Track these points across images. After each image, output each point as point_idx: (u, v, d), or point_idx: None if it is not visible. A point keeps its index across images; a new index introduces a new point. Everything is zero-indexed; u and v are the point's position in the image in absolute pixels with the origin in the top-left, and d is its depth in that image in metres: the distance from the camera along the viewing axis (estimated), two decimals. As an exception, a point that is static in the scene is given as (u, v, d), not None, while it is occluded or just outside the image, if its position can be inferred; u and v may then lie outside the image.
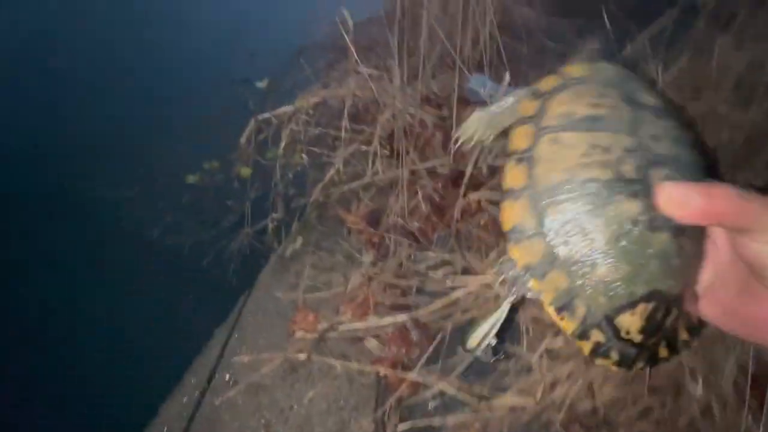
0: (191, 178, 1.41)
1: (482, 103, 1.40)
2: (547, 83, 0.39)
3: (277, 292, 1.08)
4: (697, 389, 0.59)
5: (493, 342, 0.46)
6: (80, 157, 1.55)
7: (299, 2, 2.42)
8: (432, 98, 1.51)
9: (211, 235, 1.33)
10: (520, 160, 0.36)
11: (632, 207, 0.33)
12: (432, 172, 1.37)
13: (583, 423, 0.67)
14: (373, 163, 1.31)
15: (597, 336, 0.35)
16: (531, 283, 0.36)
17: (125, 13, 2.45)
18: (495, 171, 1.39)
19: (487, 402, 0.76)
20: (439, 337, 0.90)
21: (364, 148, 1.34)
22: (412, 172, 1.32)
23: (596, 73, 0.39)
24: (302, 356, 0.91)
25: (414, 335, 0.94)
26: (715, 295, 0.35)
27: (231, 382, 0.87)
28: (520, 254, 0.35)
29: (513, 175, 0.36)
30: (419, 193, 1.28)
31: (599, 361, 0.35)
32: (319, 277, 1.11)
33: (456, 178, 1.39)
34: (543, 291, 0.35)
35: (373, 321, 0.96)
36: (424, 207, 1.26)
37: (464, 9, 1.58)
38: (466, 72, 1.58)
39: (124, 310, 1.17)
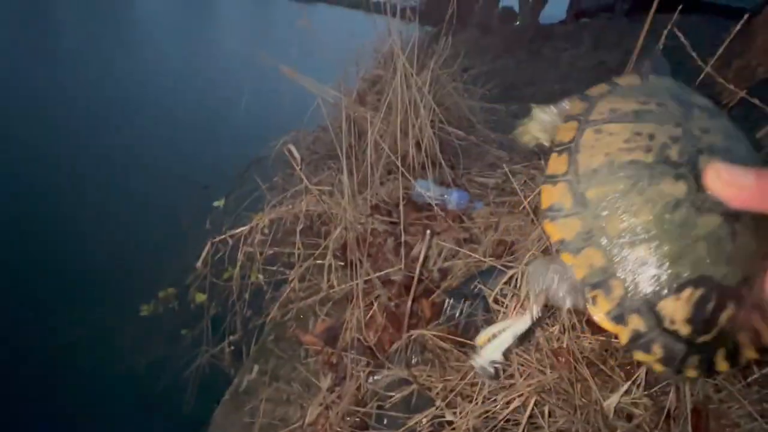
0: (146, 309, 1.39)
1: (428, 206, 1.48)
2: (598, 89, 0.39)
3: (233, 434, 1.04)
4: None
5: (500, 359, 0.48)
6: (28, 304, 1.51)
7: (259, 113, 2.61)
8: (381, 206, 1.61)
9: (167, 367, 1.29)
10: (562, 151, 0.36)
11: (677, 188, 0.30)
12: (386, 281, 1.42)
13: None
14: (329, 276, 1.35)
15: (636, 322, 0.31)
16: (563, 257, 0.33)
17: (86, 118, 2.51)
18: (446, 274, 1.46)
19: None
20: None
21: (318, 261, 1.39)
22: (366, 282, 1.36)
23: (648, 82, 0.38)
24: None
25: (374, 475, 0.92)
26: None
27: None
28: (554, 230, 0.34)
29: (554, 164, 0.36)
30: (374, 303, 1.32)
31: (639, 356, 0.31)
32: (276, 411, 1.08)
33: (408, 285, 1.45)
34: (576, 266, 0.32)
35: (330, 463, 0.93)
36: (380, 318, 1.29)
37: (404, 120, 1.76)
38: (410, 178, 1.72)
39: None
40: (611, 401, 0.68)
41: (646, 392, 0.73)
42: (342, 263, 1.41)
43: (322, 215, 1.51)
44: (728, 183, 0.26)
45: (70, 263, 1.63)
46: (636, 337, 0.30)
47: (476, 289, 1.31)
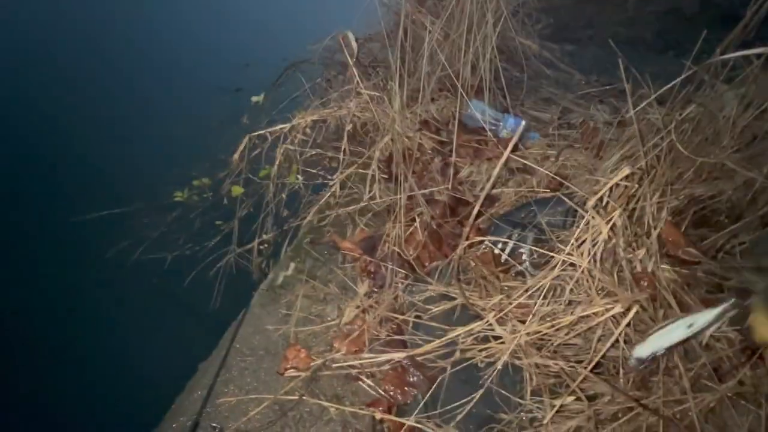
0: (179, 195, 1.34)
1: (481, 129, 1.36)
2: None
3: (268, 324, 1.03)
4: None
5: (661, 353, 0.53)
6: (66, 173, 1.47)
7: (298, 16, 2.39)
8: (431, 122, 1.49)
9: (198, 258, 1.27)
10: None
11: None
12: (430, 199, 1.35)
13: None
14: (371, 187, 1.28)
15: None
16: None
17: (115, 21, 2.37)
18: (495, 201, 1.38)
19: (488, 456, 0.73)
20: (437, 378, 0.86)
21: (361, 171, 1.31)
22: (410, 198, 1.29)
23: None
24: (293, 398, 0.86)
25: (411, 376, 0.91)
26: None
27: (217, 430, 0.81)
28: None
29: None
30: (416, 220, 1.26)
31: None
32: (312, 308, 1.06)
33: (454, 206, 1.38)
34: None
35: (368, 358, 0.92)
36: (420, 235, 1.23)
37: (466, 34, 1.58)
38: (465, 97, 1.58)
39: (100, 339, 1.09)
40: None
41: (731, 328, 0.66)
42: (386, 176, 1.33)
43: (368, 123, 1.40)
44: None
45: (106, 151, 1.57)
46: None
47: (527, 218, 1.24)
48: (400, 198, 1.27)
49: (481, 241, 1.19)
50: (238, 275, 1.22)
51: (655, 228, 0.75)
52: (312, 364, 0.93)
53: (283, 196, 1.33)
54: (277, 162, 1.32)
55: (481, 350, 0.86)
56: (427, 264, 1.20)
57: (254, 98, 1.55)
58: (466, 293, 1.00)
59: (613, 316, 0.65)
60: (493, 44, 1.56)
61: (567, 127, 1.62)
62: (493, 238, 1.19)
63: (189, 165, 1.44)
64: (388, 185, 1.33)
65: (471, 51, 1.61)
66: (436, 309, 1.04)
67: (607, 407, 0.65)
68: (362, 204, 1.27)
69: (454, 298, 1.03)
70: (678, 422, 0.61)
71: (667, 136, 0.80)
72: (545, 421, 0.69)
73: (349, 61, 1.23)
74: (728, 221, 0.84)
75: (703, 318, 0.51)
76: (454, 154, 1.35)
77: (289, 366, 0.93)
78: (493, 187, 1.35)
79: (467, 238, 1.21)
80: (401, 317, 1.04)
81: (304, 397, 0.87)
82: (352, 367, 0.93)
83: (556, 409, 0.67)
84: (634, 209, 0.78)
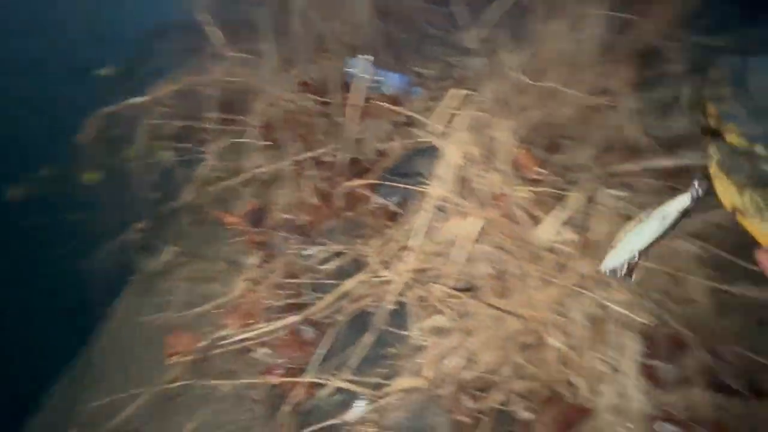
0: (15, 191, 1.12)
1: (365, 88, 1.33)
2: None
3: (146, 314, 0.92)
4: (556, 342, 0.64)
5: (636, 258, 0.49)
6: None
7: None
8: (312, 84, 1.44)
9: (56, 255, 1.08)
10: None
11: None
12: (319, 162, 1.31)
13: (468, 390, 0.69)
14: (253, 156, 1.20)
15: None
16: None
17: None
18: (383, 155, 1.39)
19: (382, 390, 0.75)
20: (332, 331, 0.86)
21: (240, 140, 1.21)
22: (297, 163, 1.24)
23: None
24: (179, 384, 0.79)
25: (307, 335, 0.89)
26: None
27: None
28: None
29: None
30: (305, 184, 1.21)
31: None
32: (196, 290, 0.98)
33: (343, 165, 1.36)
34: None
35: (261, 328, 0.88)
36: (312, 198, 1.20)
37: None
38: (348, 57, 1.54)
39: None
40: (541, 232, 0.69)
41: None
42: (269, 142, 1.26)
43: (243, 89, 1.30)
44: None
45: None
46: None
47: (412, 168, 1.27)
48: (286, 164, 1.22)
49: (373, 195, 1.19)
50: (107, 271, 1.07)
51: (505, 153, 0.81)
52: (198, 345, 0.86)
53: (154, 177, 1.19)
54: (139, 140, 1.17)
55: (369, 296, 0.87)
56: (321, 226, 1.17)
57: (103, 71, 1.34)
58: (354, 248, 1.00)
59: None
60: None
61: (451, 80, 1.68)
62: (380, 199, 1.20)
63: (32, 154, 1.21)
64: (272, 152, 1.26)
65: (349, 8, 1.57)
66: (331, 266, 1.03)
67: (475, 321, 0.70)
68: (246, 175, 1.19)
69: (347, 254, 1.03)
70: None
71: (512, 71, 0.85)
72: (428, 345, 0.72)
73: (210, 22, 1.11)
74: (573, 143, 0.92)
75: (674, 205, 0.47)
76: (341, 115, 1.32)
77: (172, 352, 0.85)
78: (380, 142, 1.36)
79: (357, 195, 1.21)
80: (296, 281, 1.01)
81: (191, 381, 0.81)
82: (246, 339, 0.88)
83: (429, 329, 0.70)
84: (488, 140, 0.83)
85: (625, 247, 0.48)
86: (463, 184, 0.80)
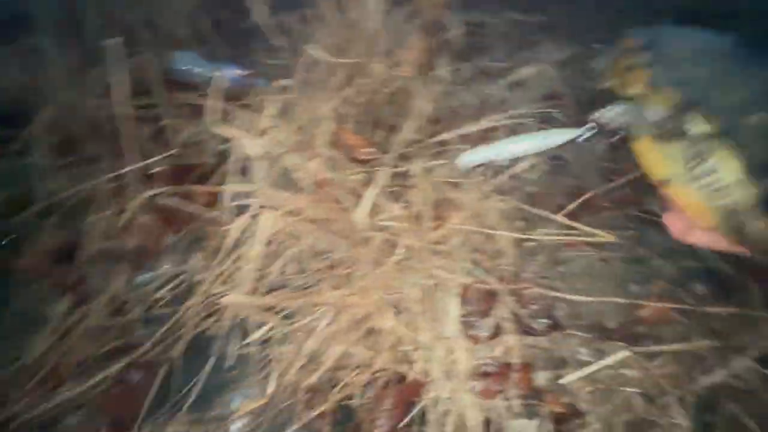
0: None
1: (195, 85, 1.15)
2: None
3: None
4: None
5: (503, 163, 0.48)
6: None
7: None
8: (125, 84, 1.22)
9: None
10: None
11: None
12: (146, 174, 1.13)
13: (320, 393, 0.64)
14: (45, 179, 0.97)
15: None
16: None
17: None
18: (224, 159, 1.25)
19: (223, 421, 0.65)
20: (164, 370, 0.73)
21: (24, 161, 0.97)
22: (116, 179, 1.04)
23: None
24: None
25: (135, 381, 0.74)
26: None
27: None
28: None
29: None
30: (132, 202, 1.03)
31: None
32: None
33: (180, 174, 1.19)
34: None
35: (68, 390, 0.71)
36: (141, 217, 1.02)
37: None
38: (172, 51, 1.35)
39: None
40: (359, 214, 0.65)
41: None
42: (69, 160, 1.03)
43: (27, 93, 1.04)
44: None
45: None
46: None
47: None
48: (101, 182, 1.02)
49: (215, 203, 1.06)
50: None
51: (325, 137, 0.76)
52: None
53: None
54: None
55: (206, 318, 0.76)
56: (155, 247, 1.01)
57: None
58: (191, 268, 0.87)
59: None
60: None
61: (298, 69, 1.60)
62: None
63: None
64: (78, 171, 1.04)
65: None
66: (167, 293, 0.89)
67: (313, 319, 0.64)
68: (41, 204, 0.96)
69: (182, 275, 0.90)
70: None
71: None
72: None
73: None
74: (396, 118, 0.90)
75: (563, 134, 0.47)
76: (168, 118, 1.14)
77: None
78: (221, 143, 1.22)
79: (196, 205, 1.06)
80: (123, 319, 0.84)
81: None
82: (49, 408, 0.71)
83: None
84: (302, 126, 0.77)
85: (493, 149, 0.48)
86: (285, 176, 0.73)
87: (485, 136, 0.82)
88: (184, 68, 1.33)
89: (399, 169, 0.76)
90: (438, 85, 0.82)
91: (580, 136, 0.50)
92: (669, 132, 0.44)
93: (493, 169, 0.73)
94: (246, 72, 1.39)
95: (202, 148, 1.18)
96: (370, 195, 0.64)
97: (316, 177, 0.71)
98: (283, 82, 0.81)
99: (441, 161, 0.79)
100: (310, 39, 0.87)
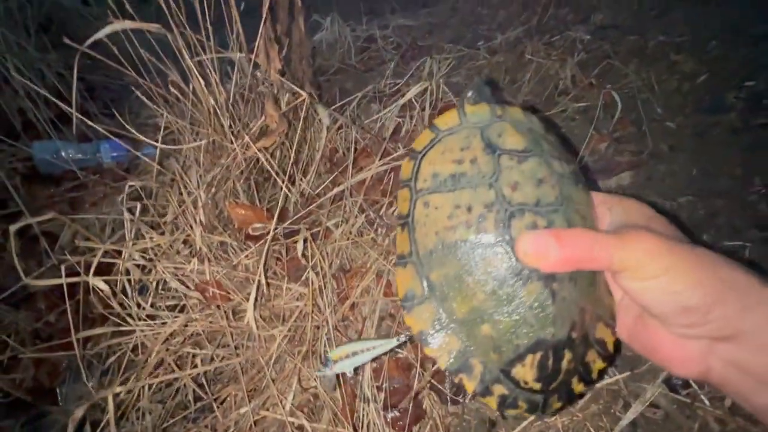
0: None
1: (60, 174, 0.99)
2: (421, 141, 0.40)
3: None
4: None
5: (350, 374, 0.51)
6: None
7: None
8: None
9: None
10: (403, 226, 0.38)
11: (500, 263, 0.33)
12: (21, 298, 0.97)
13: None
14: None
15: (500, 390, 0.35)
16: (426, 351, 0.35)
17: None
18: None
19: None
20: None
21: None
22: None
23: (465, 119, 0.39)
24: None
25: None
26: (621, 319, 0.36)
27: None
28: (413, 322, 0.35)
29: (400, 242, 0.38)
30: None
31: (510, 412, 0.35)
32: None
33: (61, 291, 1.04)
34: (438, 356, 0.35)
35: None
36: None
37: None
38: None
39: None
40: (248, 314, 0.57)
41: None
42: None
43: None
44: (535, 255, 0.31)
45: None
46: (503, 401, 0.35)
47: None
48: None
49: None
50: None
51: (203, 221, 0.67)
52: None
53: None
54: None
55: None
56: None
57: None
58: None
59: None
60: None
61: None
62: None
63: None
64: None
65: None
66: None
67: None
68: None
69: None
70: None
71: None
72: None
73: None
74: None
75: (385, 346, 0.50)
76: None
77: None
78: (113, 232, 1.08)
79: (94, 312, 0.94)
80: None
81: None
82: None
83: None
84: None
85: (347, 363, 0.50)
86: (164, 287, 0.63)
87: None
88: (48, 158, 1.17)
89: (291, 240, 0.69)
90: (322, 132, 0.74)
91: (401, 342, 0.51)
92: None
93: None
94: (132, 144, 1.25)
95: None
96: (252, 298, 0.56)
97: (198, 280, 0.62)
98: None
99: (335, 220, 0.72)
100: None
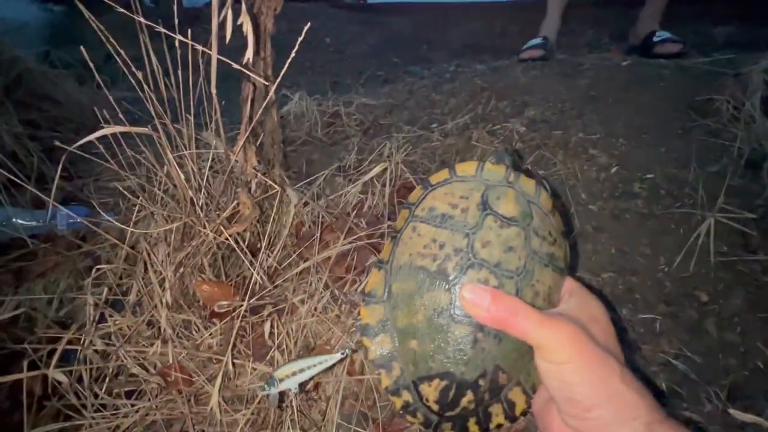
0: None
1: (8, 242, 0.94)
2: (437, 177, 0.45)
3: None
4: None
5: (295, 390, 0.55)
6: None
7: None
8: None
9: None
10: (393, 237, 0.44)
11: (444, 298, 0.38)
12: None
13: None
14: None
15: (406, 396, 0.41)
16: (364, 340, 0.42)
17: None
18: (67, 323, 1.05)
19: None
20: None
21: None
22: None
23: (479, 173, 0.43)
24: None
25: None
26: (540, 394, 0.40)
27: None
28: (365, 313, 0.42)
29: (385, 249, 0.45)
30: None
31: (409, 418, 0.41)
32: None
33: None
34: (371, 348, 0.42)
35: None
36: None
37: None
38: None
39: None
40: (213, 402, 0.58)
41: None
42: None
43: None
44: (471, 303, 0.36)
45: None
46: (406, 406, 0.41)
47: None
48: None
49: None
50: None
51: (163, 304, 0.68)
52: None
53: None
54: None
55: None
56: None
57: None
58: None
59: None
60: None
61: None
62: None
63: None
64: None
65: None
66: None
67: None
68: None
69: None
70: None
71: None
72: None
73: None
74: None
75: (329, 361, 0.56)
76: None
77: None
78: (61, 303, 1.04)
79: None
80: None
81: None
82: None
83: None
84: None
85: (286, 383, 0.55)
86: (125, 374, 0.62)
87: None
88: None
89: (257, 316, 0.71)
90: (290, 207, 0.80)
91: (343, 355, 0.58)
92: None
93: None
94: (87, 211, 1.23)
95: (36, 324, 0.99)
96: (217, 384, 0.57)
97: (161, 366, 0.62)
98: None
99: (301, 296, 0.75)
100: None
